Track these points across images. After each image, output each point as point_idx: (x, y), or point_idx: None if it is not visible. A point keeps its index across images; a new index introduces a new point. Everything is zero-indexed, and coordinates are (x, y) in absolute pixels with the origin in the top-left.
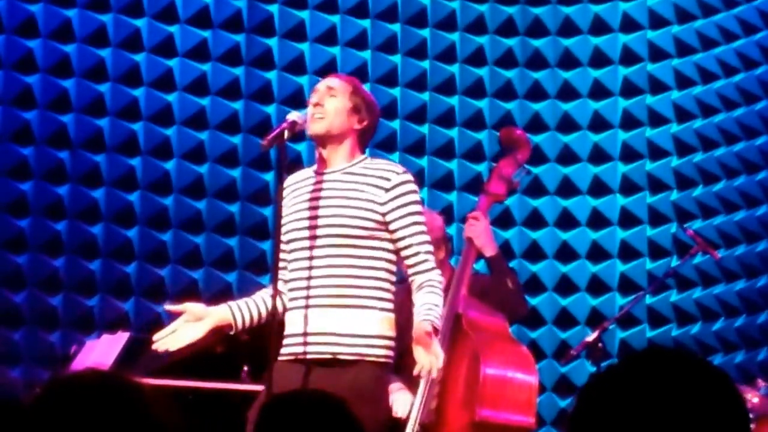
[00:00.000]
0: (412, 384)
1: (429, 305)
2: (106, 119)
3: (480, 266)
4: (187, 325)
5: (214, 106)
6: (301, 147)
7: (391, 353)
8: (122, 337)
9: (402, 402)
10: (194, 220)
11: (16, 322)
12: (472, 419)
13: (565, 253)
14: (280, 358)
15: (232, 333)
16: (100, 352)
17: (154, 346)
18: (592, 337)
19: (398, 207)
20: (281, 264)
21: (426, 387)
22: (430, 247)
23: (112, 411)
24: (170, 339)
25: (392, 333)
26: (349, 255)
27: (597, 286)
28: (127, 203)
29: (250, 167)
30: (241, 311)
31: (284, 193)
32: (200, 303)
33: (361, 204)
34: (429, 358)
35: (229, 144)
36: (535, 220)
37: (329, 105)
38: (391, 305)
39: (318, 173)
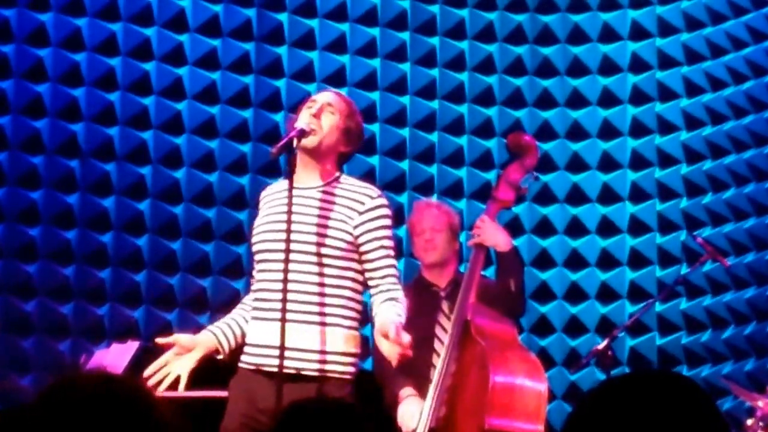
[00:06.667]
0: (423, 392)
1: (396, 314)
2: (116, 128)
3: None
4: (178, 358)
5: (223, 114)
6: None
7: (354, 370)
8: (132, 346)
9: (408, 415)
10: (203, 228)
11: (26, 330)
12: (480, 427)
13: (575, 261)
14: (243, 366)
15: (220, 357)
16: (110, 360)
17: (147, 382)
18: (602, 344)
19: (369, 230)
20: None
21: (435, 394)
22: (396, 272)
23: (117, 412)
24: (163, 373)
25: (357, 350)
26: (320, 273)
27: (607, 294)
28: (136, 212)
29: (260, 175)
30: (226, 336)
31: (263, 202)
32: (187, 334)
33: (336, 224)
34: (392, 348)
35: (238, 152)
36: (544, 228)
37: (325, 121)
38: (356, 323)
39: (292, 188)
